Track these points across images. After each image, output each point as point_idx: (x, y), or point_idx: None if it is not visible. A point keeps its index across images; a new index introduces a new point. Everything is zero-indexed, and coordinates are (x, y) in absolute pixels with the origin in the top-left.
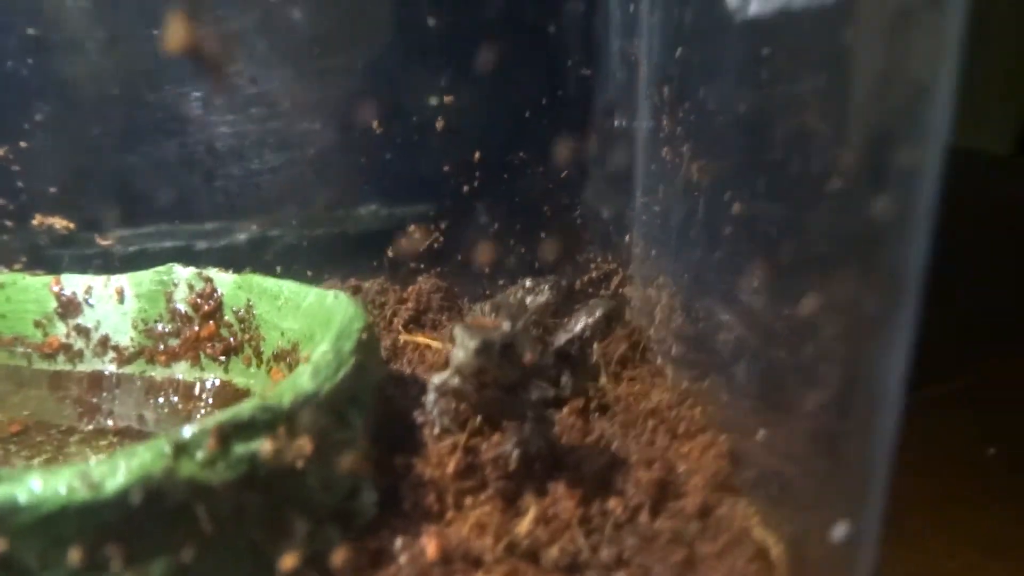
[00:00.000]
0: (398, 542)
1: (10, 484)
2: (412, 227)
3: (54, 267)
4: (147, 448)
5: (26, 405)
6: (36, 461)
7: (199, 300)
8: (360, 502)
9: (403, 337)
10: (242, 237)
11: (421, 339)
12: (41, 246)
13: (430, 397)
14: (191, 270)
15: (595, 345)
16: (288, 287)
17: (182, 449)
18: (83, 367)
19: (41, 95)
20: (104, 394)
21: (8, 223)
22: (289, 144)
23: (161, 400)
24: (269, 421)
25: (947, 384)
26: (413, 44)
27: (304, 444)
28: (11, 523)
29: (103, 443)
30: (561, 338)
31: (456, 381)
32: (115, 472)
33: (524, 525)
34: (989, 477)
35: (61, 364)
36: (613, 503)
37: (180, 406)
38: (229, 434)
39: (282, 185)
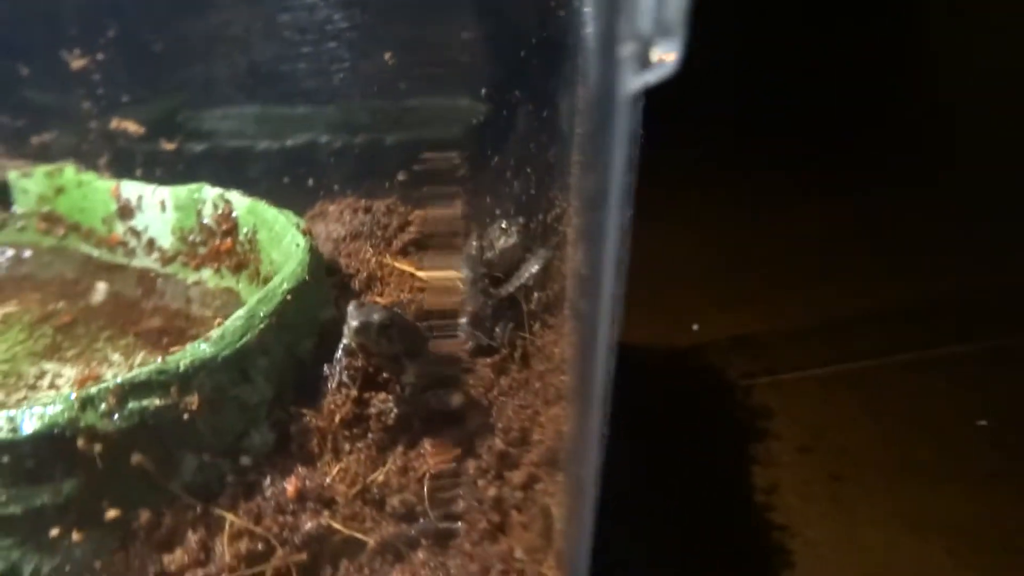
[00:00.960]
0: (267, 480)
1: None
2: (426, 154)
3: (128, 166)
4: (59, 399)
5: (84, 295)
6: (72, 352)
7: (221, 219)
8: (250, 443)
9: (391, 262)
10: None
11: (406, 267)
12: (119, 147)
13: (338, 354)
14: (216, 191)
15: (535, 294)
16: (279, 220)
17: (87, 402)
18: (136, 263)
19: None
20: (141, 293)
21: (92, 125)
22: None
23: (180, 306)
24: (163, 382)
25: (951, 348)
26: None
27: (192, 401)
28: None
29: (122, 343)
30: (512, 285)
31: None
32: (31, 419)
33: (380, 475)
34: (965, 451)
35: (120, 258)
36: (469, 464)
37: (191, 314)
38: (127, 392)
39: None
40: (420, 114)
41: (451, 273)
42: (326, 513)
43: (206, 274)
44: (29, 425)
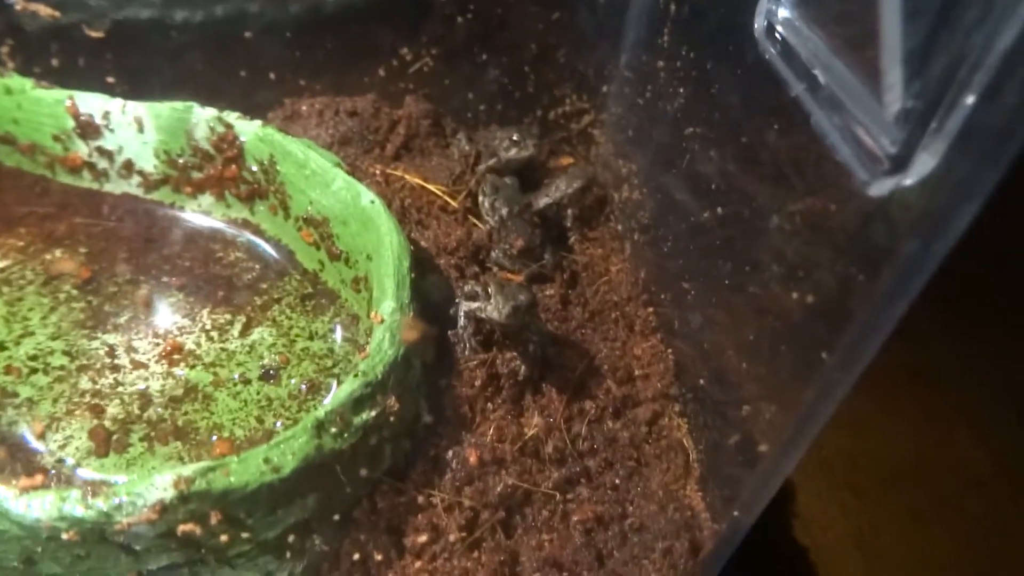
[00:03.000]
0: (449, 453)
1: (229, 469)
2: (404, 49)
3: (42, 57)
4: (301, 430)
5: (78, 238)
6: (124, 318)
7: (220, 143)
8: (421, 421)
9: (399, 174)
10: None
11: (416, 180)
12: (27, 31)
13: (461, 322)
14: (211, 112)
15: (569, 211)
16: (313, 159)
17: (321, 428)
18: (111, 187)
19: None
20: (146, 231)
21: None
22: None
23: (202, 247)
24: (372, 393)
25: None
26: None
27: (393, 404)
28: (227, 500)
29: (171, 300)
30: (541, 201)
31: (484, 314)
32: (286, 456)
33: (531, 428)
34: None
35: (88, 182)
36: (588, 405)
37: (221, 255)
38: (349, 412)
39: None
40: None
41: (464, 188)
42: (503, 473)
43: (206, 201)
44: (288, 463)
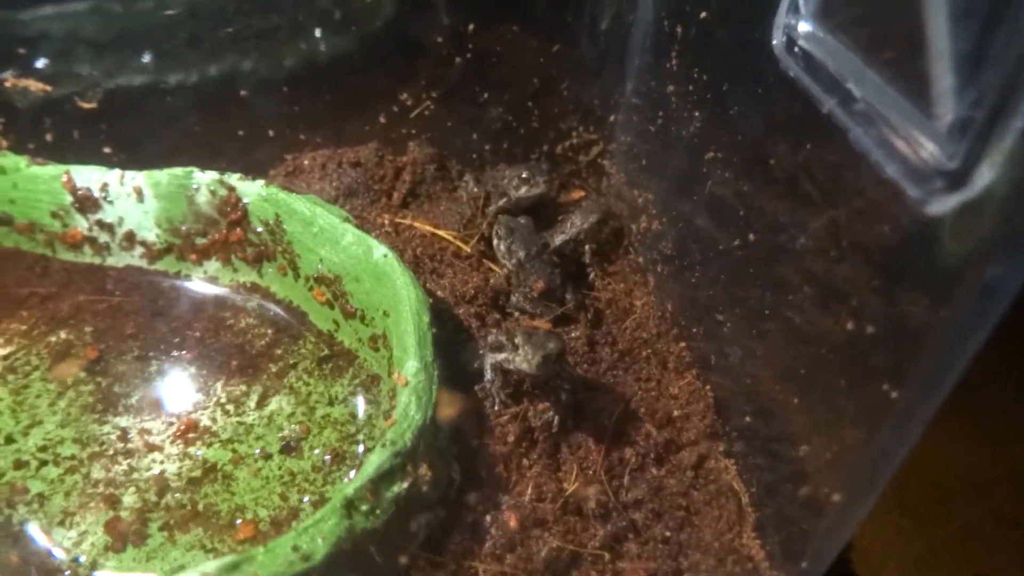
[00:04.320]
0: (487, 518)
1: (256, 562)
2: (403, 94)
3: (36, 133)
4: (330, 512)
5: (82, 317)
6: (135, 398)
7: (224, 207)
8: (454, 486)
9: (408, 223)
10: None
11: (426, 227)
12: (18, 109)
13: (488, 375)
14: (211, 175)
15: (586, 247)
16: (320, 216)
17: (351, 507)
18: (113, 261)
19: None
20: (152, 303)
21: None
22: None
23: (211, 315)
24: (402, 463)
25: None
26: None
27: (425, 472)
28: None
29: (183, 375)
30: (558, 239)
31: (512, 366)
32: (316, 542)
33: (571, 486)
34: None
35: (89, 257)
36: (628, 453)
37: (231, 322)
38: (379, 485)
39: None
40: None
41: (476, 231)
42: (546, 535)
43: (212, 267)
44: (318, 549)
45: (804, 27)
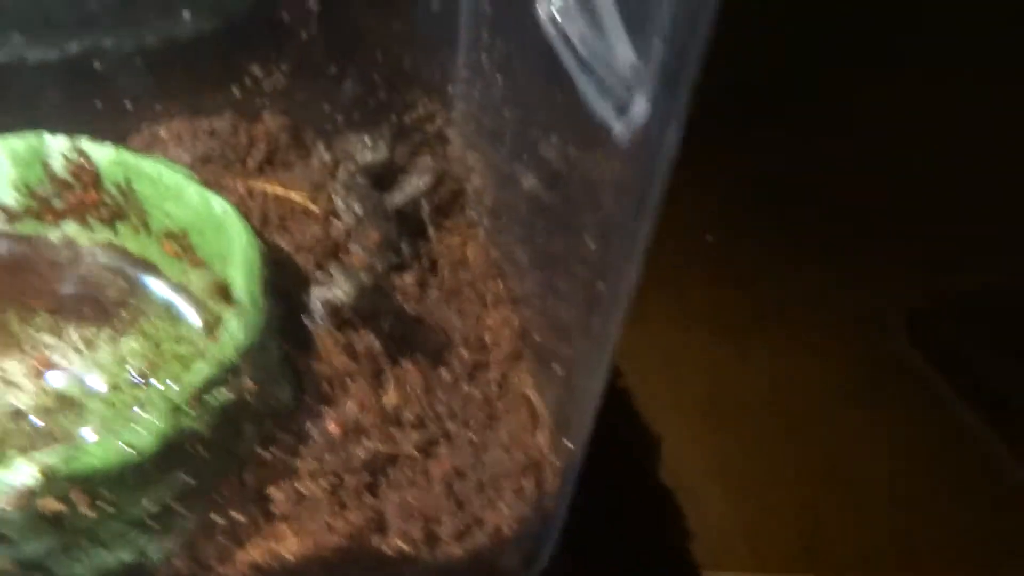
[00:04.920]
0: (312, 428)
1: (91, 454)
2: (255, 68)
3: None
4: (157, 413)
5: None
6: None
7: (78, 170)
8: (282, 400)
9: (260, 186)
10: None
11: (277, 190)
12: None
13: (316, 306)
14: (63, 141)
15: (424, 205)
16: (165, 175)
17: (177, 410)
18: None
19: None
20: (12, 262)
21: None
22: None
23: (69, 271)
24: (223, 377)
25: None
26: None
27: (250, 385)
28: (93, 482)
29: (37, 321)
30: (397, 198)
31: (334, 299)
32: (143, 437)
33: (390, 398)
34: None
35: None
36: (444, 373)
37: (87, 277)
38: (204, 392)
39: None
40: None
41: (325, 193)
42: (365, 441)
43: (70, 228)
44: (147, 443)
45: (557, 1)
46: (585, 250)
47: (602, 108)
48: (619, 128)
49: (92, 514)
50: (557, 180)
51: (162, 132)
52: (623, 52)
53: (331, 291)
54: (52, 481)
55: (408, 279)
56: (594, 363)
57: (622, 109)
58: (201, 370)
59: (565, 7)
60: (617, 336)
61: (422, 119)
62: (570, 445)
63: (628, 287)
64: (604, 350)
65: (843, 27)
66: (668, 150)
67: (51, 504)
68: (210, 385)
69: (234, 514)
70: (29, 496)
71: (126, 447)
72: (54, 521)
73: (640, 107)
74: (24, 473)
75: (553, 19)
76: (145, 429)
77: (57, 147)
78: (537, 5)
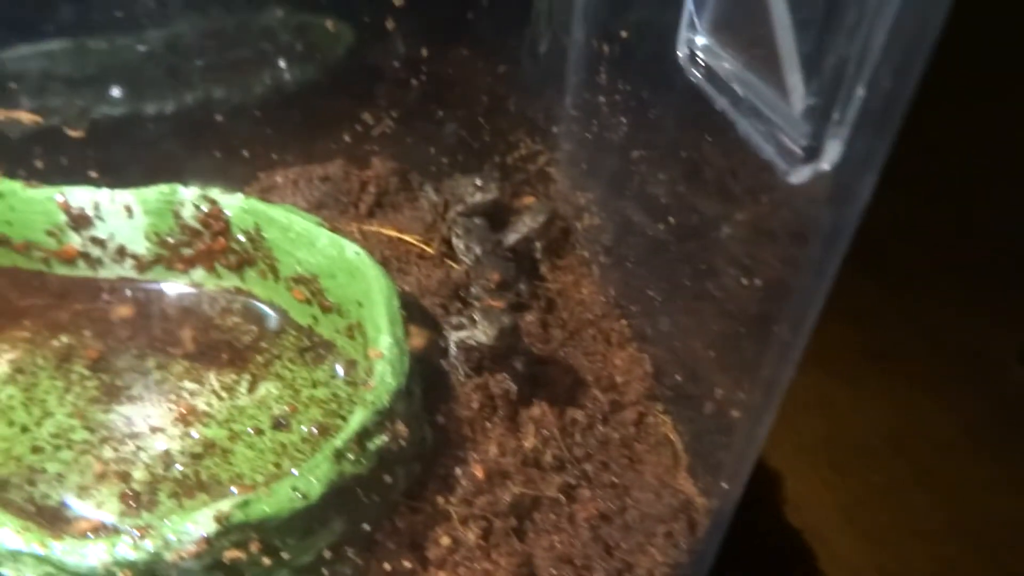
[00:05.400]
0: (457, 471)
1: (263, 501)
2: (365, 114)
3: (26, 160)
4: (323, 458)
5: (80, 324)
6: (136, 390)
7: (207, 218)
8: (426, 444)
9: (374, 229)
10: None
11: (391, 232)
12: (10, 139)
13: (453, 351)
14: (195, 190)
15: (537, 244)
16: (296, 222)
17: (340, 455)
18: (106, 273)
19: None
20: (145, 309)
21: None
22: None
23: (200, 317)
24: (381, 421)
25: None
26: None
27: (402, 430)
28: (264, 528)
29: (178, 368)
30: (510, 238)
31: (472, 341)
32: (312, 483)
33: (529, 441)
34: None
35: (83, 270)
36: (578, 415)
37: (219, 322)
38: (364, 438)
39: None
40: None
41: (437, 234)
42: (509, 484)
43: (198, 275)
44: (314, 489)
45: (700, 40)
46: (745, 292)
47: (770, 149)
48: (795, 170)
49: (268, 561)
50: (703, 221)
51: (278, 179)
52: (796, 92)
53: (472, 335)
54: (228, 529)
55: (530, 319)
56: (759, 406)
57: (803, 151)
58: (361, 415)
59: (709, 46)
60: (789, 380)
61: (525, 159)
62: (725, 486)
63: (806, 331)
64: (773, 393)
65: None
66: (863, 195)
67: (232, 553)
68: (369, 430)
69: (392, 561)
70: (207, 545)
71: (295, 493)
72: (230, 570)
73: (833, 150)
74: (204, 522)
75: (696, 59)
76: (312, 475)
77: (188, 197)
78: (677, 46)
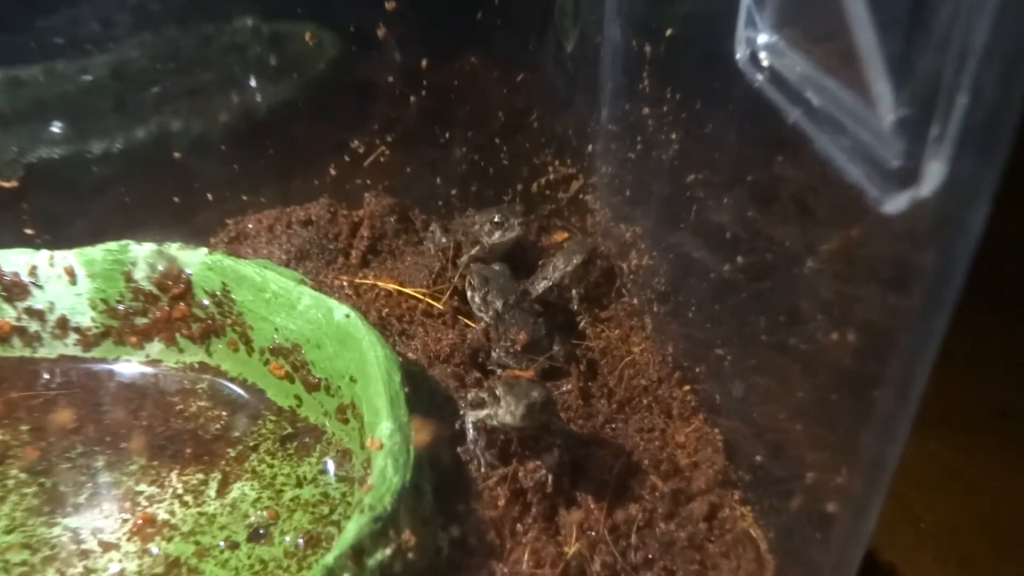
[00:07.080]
0: None
1: None
2: (355, 141)
3: None
4: None
5: (17, 416)
6: (84, 497)
7: (164, 280)
8: (442, 555)
9: (369, 283)
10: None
11: (390, 286)
12: None
13: (471, 435)
14: (149, 247)
15: (573, 292)
16: (272, 280)
17: (333, 574)
18: (45, 351)
19: None
20: (92, 395)
21: None
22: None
23: (158, 402)
24: (383, 529)
25: None
26: None
27: (409, 538)
28: None
29: (133, 468)
30: (539, 285)
31: (495, 421)
32: None
33: (571, 548)
34: None
35: (20, 350)
36: (634, 510)
37: (181, 407)
38: (360, 553)
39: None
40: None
41: (448, 285)
42: None
43: (154, 349)
44: None
45: (763, 39)
46: (836, 348)
47: (857, 171)
48: (889, 196)
49: None
50: (779, 258)
51: (250, 225)
52: (884, 100)
53: (494, 414)
54: None
55: (567, 388)
56: (862, 493)
57: (897, 173)
58: (357, 523)
59: (774, 44)
60: (897, 457)
61: (554, 186)
62: None
63: (914, 398)
64: (879, 476)
65: None
66: (975, 227)
67: None
68: (368, 541)
69: None
70: None
71: None
72: None
73: (933, 173)
74: None
75: (758, 59)
76: None
77: (141, 254)
78: (735, 45)
